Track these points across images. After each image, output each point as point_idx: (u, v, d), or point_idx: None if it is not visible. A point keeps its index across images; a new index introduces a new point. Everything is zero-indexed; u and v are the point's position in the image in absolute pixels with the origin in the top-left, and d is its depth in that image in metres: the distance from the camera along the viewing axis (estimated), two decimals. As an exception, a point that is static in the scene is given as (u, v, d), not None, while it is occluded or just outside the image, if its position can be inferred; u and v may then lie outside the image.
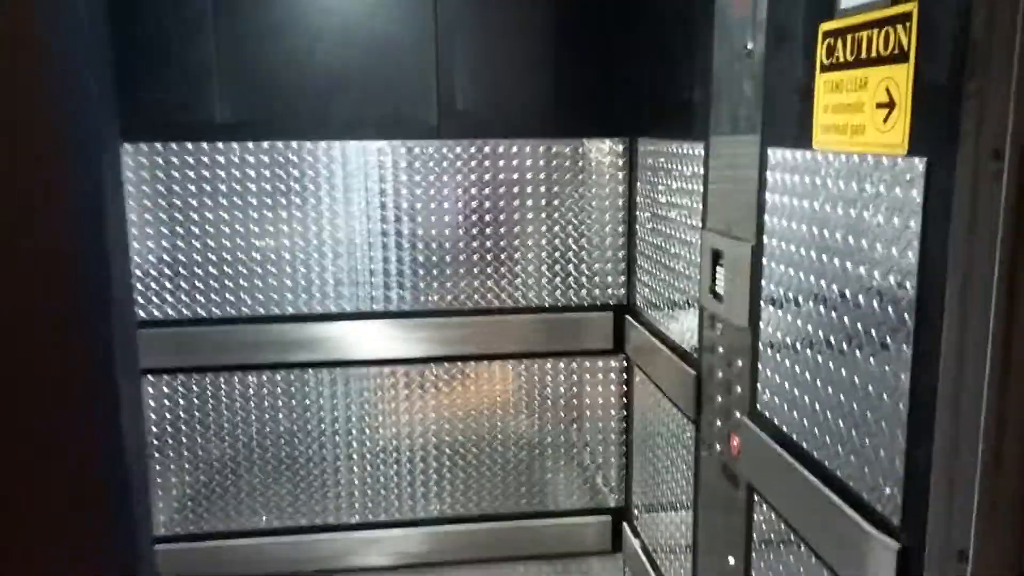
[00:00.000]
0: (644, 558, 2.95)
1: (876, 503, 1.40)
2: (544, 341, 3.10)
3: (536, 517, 3.21)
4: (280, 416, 3.03)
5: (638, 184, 2.92)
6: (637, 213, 2.94)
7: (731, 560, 2.09)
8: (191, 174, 2.86)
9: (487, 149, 2.95)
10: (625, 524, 3.19)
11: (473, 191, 2.98)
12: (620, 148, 2.99)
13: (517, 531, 3.20)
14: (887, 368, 1.34)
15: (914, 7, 1.25)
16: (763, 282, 1.83)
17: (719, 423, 2.16)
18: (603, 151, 3.00)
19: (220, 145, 2.85)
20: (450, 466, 3.15)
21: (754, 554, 1.94)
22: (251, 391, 2.99)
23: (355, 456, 3.09)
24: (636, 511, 3.09)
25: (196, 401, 2.98)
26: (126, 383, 0.91)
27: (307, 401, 3.04)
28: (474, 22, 2.92)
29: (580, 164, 3.00)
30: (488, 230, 3.01)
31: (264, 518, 3.07)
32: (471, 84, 2.95)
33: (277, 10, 2.84)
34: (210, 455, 3.02)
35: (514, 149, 2.96)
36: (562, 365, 3.12)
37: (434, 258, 3.01)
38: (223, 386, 2.98)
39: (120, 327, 0.92)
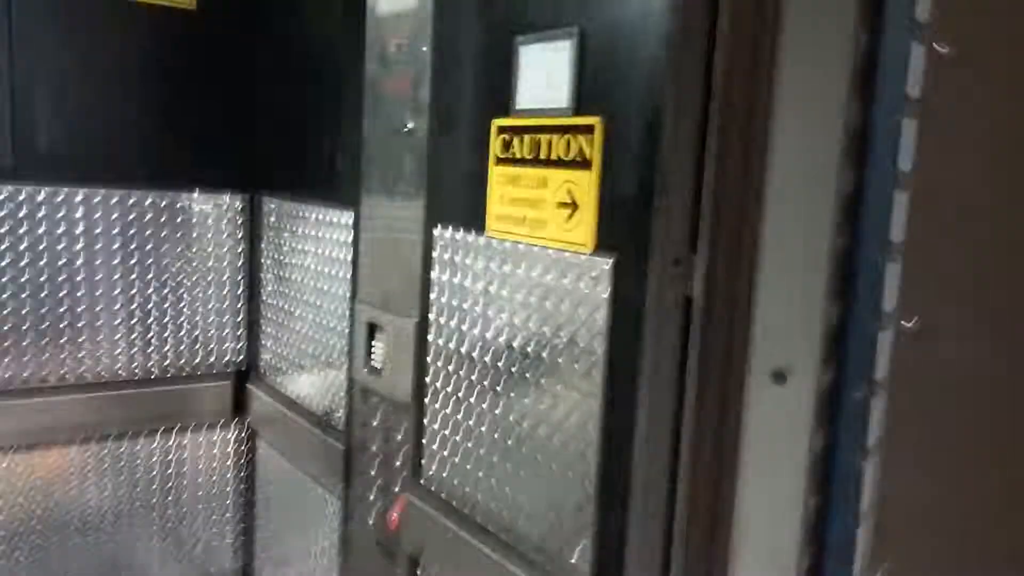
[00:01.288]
0: (269, 641, 2.77)
1: (561, 572, 1.50)
2: (141, 417, 2.75)
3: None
4: None
5: (261, 244, 2.77)
6: (261, 275, 2.79)
7: (388, 637, 2.06)
8: None
9: (77, 197, 2.55)
10: (243, 607, 2.96)
11: (54, 245, 2.53)
12: (238, 204, 2.81)
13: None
14: (572, 449, 1.46)
15: (597, 122, 1.40)
16: (428, 358, 1.87)
17: (371, 498, 2.13)
18: (218, 205, 2.78)
19: None
20: (41, 568, 2.61)
21: (417, 629, 1.94)
22: None
23: None
24: (258, 591, 2.89)
25: None
26: None
27: None
28: (62, 57, 2.51)
29: (188, 218, 2.73)
30: (75, 292, 2.58)
31: None
32: (55, 120, 2.53)
33: None
34: None
35: (112, 199, 2.59)
36: (169, 442, 2.80)
37: (4, 327, 2.49)
38: None
39: None
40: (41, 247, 2.51)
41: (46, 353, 2.56)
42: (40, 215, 2.49)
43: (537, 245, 1.54)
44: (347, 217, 2.22)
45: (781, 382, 1.09)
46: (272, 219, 2.70)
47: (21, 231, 2.47)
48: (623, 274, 1.37)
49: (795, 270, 1.09)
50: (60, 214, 2.52)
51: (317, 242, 2.40)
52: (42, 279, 2.52)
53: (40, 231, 2.50)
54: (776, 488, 1.10)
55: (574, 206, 1.45)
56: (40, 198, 2.49)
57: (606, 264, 1.38)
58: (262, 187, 2.76)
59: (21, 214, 2.47)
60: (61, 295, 2.55)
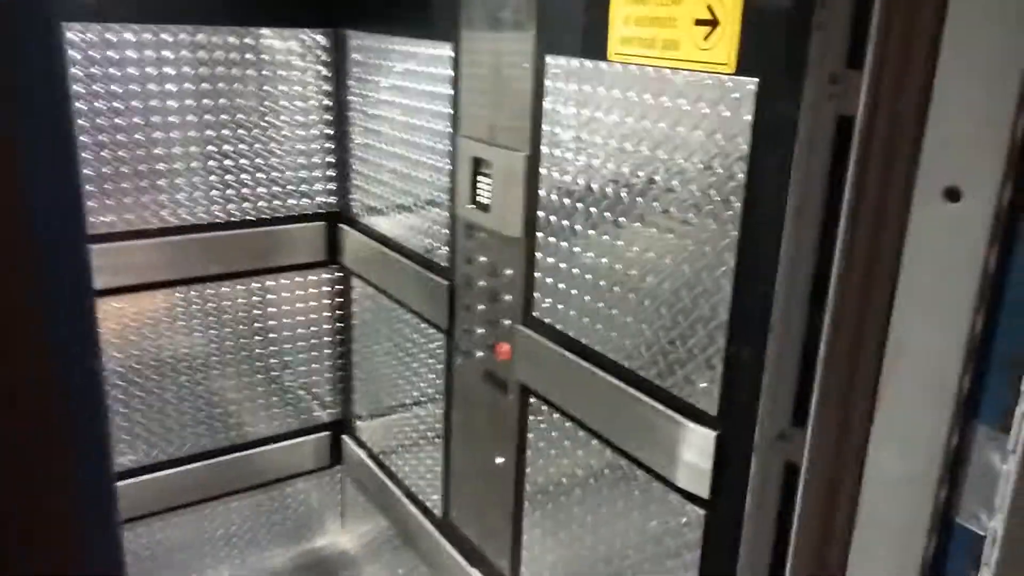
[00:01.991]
0: (372, 464, 2.94)
1: (688, 397, 1.53)
2: (241, 258, 2.81)
3: (245, 448, 3.00)
4: None
5: (349, 83, 2.72)
6: (349, 115, 2.75)
7: (499, 459, 2.17)
8: None
9: (164, 36, 2.50)
10: (345, 437, 3.13)
11: (141, 87, 2.51)
12: (322, 41, 2.74)
13: (227, 466, 2.96)
14: (705, 278, 1.45)
15: (745, -72, 1.30)
16: (540, 192, 1.85)
17: (479, 331, 2.18)
18: (301, 42, 2.71)
19: None
20: (143, 408, 2.78)
21: (529, 451, 2.03)
22: None
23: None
24: (359, 422, 3.04)
25: None
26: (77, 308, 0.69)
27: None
28: None
29: (270, 58, 2.67)
30: (164, 134, 2.57)
31: None
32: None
33: None
34: None
35: (193, 38, 2.54)
36: (269, 283, 2.88)
37: (105, 169, 2.53)
38: None
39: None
40: (129, 89, 2.49)
41: (142, 197, 2.59)
42: (126, 57, 2.46)
43: (669, 68, 1.47)
44: (446, 50, 2.15)
45: (954, 199, 1.06)
46: (359, 56, 2.63)
47: (112, 73, 2.45)
48: (769, 95, 1.31)
49: (979, 81, 1.02)
50: (147, 56, 2.49)
51: (412, 77, 2.34)
52: (131, 122, 2.52)
53: (127, 73, 2.47)
54: (941, 311, 1.08)
55: (714, 23, 1.37)
56: (127, 37, 2.45)
57: (751, 85, 1.32)
58: (347, 22, 2.68)
59: (110, 55, 2.44)
60: (151, 138, 2.55)
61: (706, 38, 1.39)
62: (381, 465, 2.91)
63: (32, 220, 0.65)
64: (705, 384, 1.49)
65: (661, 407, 1.58)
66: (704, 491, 1.51)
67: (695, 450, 1.52)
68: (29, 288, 0.66)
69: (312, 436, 3.11)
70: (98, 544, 0.77)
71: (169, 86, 2.54)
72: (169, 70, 2.52)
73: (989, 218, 1.04)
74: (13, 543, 0.71)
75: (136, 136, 2.53)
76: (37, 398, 0.69)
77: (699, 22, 1.40)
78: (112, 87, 2.46)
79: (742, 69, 1.34)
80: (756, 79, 1.31)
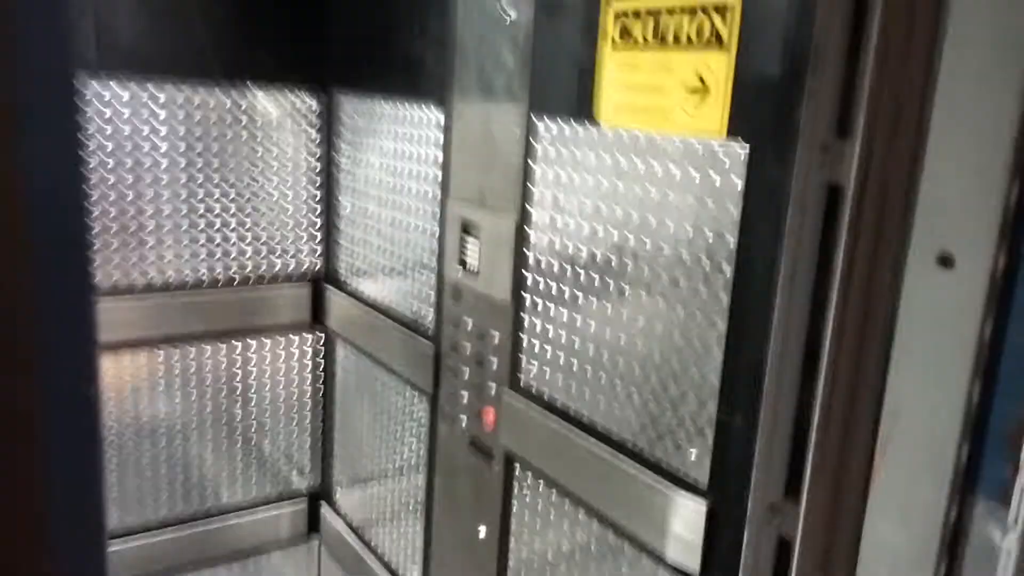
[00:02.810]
0: (350, 535, 2.85)
1: (680, 467, 1.49)
2: (224, 318, 2.77)
3: (221, 515, 2.90)
4: None
5: (338, 144, 2.73)
6: (338, 176, 2.76)
7: (482, 530, 2.10)
8: None
9: (161, 97, 2.51)
10: (323, 505, 3.04)
11: (133, 143, 2.51)
12: (314, 103, 2.76)
13: (201, 535, 2.86)
14: (699, 341, 1.43)
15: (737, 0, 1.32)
16: (529, 255, 1.84)
17: (464, 398, 2.14)
18: (293, 104, 2.74)
19: None
20: (116, 470, 2.70)
21: (513, 522, 1.97)
22: None
23: None
24: (338, 490, 2.96)
25: None
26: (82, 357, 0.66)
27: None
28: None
29: (256, 117, 2.68)
30: (152, 191, 2.56)
31: None
32: (138, 16, 2.48)
33: None
34: None
35: (187, 97, 2.55)
36: (251, 344, 2.83)
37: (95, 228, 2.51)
38: None
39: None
40: (119, 145, 2.49)
41: (127, 253, 2.57)
42: (118, 112, 2.47)
43: (659, 134, 1.48)
44: (436, 115, 2.16)
45: (947, 266, 1.05)
46: (350, 118, 2.65)
47: (102, 128, 2.45)
48: (759, 162, 1.31)
49: (970, 146, 1.03)
50: (140, 112, 2.50)
51: (402, 140, 2.35)
52: (121, 177, 2.51)
53: (118, 128, 2.47)
54: (937, 379, 1.07)
55: (704, 91, 1.38)
56: (120, 93, 2.46)
57: (741, 151, 1.33)
58: (339, 85, 2.70)
59: (102, 110, 2.44)
60: (138, 194, 2.54)
61: (697, 105, 1.40)
62: (359, 536, 2.82)
63: (33, 234, 0.62)
64: (696, 453, 1.46)
65: (650, 476, 1.54)
66: (695, 565, 1.46)
67: (685, 522, 1.47)
68: (27, 307, 0.63)
69: (290, 504, 3.03)
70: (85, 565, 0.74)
71: (159, 143, 2.54)
72: (160, 127, 2.53)
73: (984, 284, 1.03)
74: None
75: (123, 191, 2.52)
76: (26, 421, 0.66)
77: (690, 90, 1.41)
78: (102, 142, 2.46)
79: (733, 135, 1.34)
80: (747, 145, 1.32)
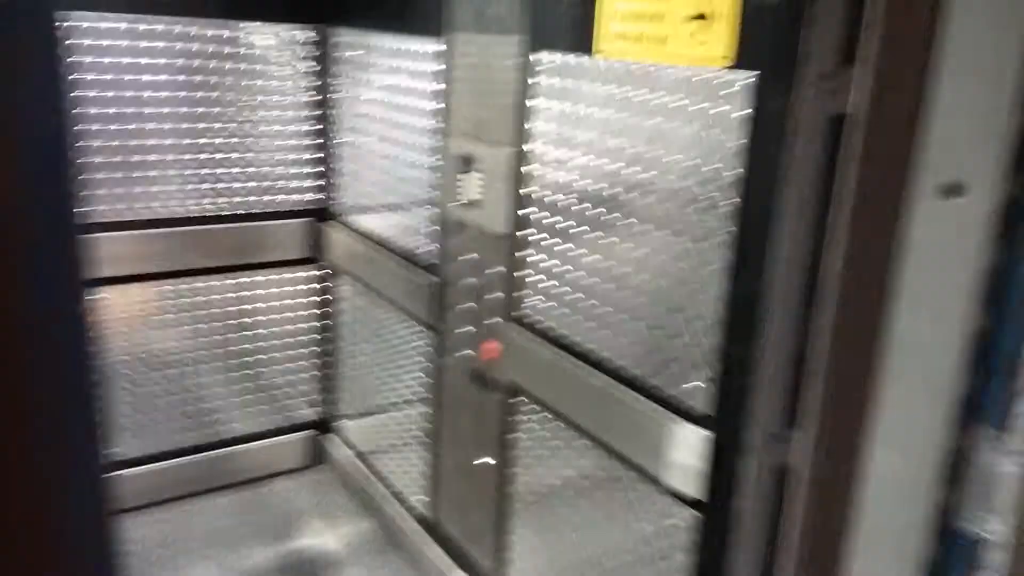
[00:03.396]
0: (357, 464, 2.89)
1: (681, 396, 1.50)
2: (225, 253, 2.75)
3: (229, 445, 2.94)
4: None
5: (335, 79, 2.67)
6: (334, 112, 2.70)
7: (485, 459, 2.13)
8: None
9: (152, 27, 2.44)
10: (330, 436, 3.08)
11: (124, 79, 2.45)
12: (307, 37, 2.68)
13: (209, 463, 2.91)
14: (701, 272, 1.42)
15: (740, -81, 1.26)
16: (528, 189, 1.81)
17: (465, 329, 2.14)
18: (286, 39, 2.66)
19: None
20: (126, 402, 2.72)
21: (516, 451, 1.99)
22: None
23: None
24: (344, 421, 2.99)
25: None
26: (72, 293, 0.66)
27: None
28: None
29: (254, 53, 2.61)
30: (145, 127, 2.51)
31: None
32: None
33: None
34: None
35: (180, 28, 2.48)
36: (252, 279, 2.82)
37: (91, 159, 2.46)
38: None
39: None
40: (116, 80, 2.44)
41: (129, 188, 2.54)
42: (114, 46, 2.40)
43: (660, 63, 1.43)
44: (433, 46, 2.10)
45: (955, 195, 1.02)
46: (345, 52, 2.58)
47: (98, 63, 2.39)
48: (763, 90, 1.28)
49: (979, 77, 0.99)
50: (135, 46, 2.43)
51: (399, 73, 2.29)
52: (117, 112, 2.46)
53: (115, 63, 2.42)
54: (941, 308, 1.05)
55: (707, 18, 1.34)
56: (116, 27, 2.39)
57: (744, 80, 1.29)
58: (333, 19, 2.63)
59: (98, 44, 2.38)
60: (136, 129, 2.50)
61: (698, 32, 1.35)
62: (366, 464, 2.87)
63: (26, 209, 0.61)
64: (697, 383, 1.46)
65: (652, 406, 1.55)
66: (696, 493, 1.48)
67: (687, 450, 1.48)
68: (21, 276, 0.62)
69: (296, 434, 3.06)
70: (90, 534, 0.74)
71: (155, 77, 2.48)
72: (155, 61, 2.47)
73: (991, 214, 1.01)
74: (4, 536, 0.67)
75: (122, 127, 2.48)
76: (29, 387, 0.65)
77: (691, 17, 1.36)
78: (100, 77, 2.41)
79: (738, 63, 1.30)
80: (753, 73, 1.28)
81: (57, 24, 0.60)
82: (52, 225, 0.65)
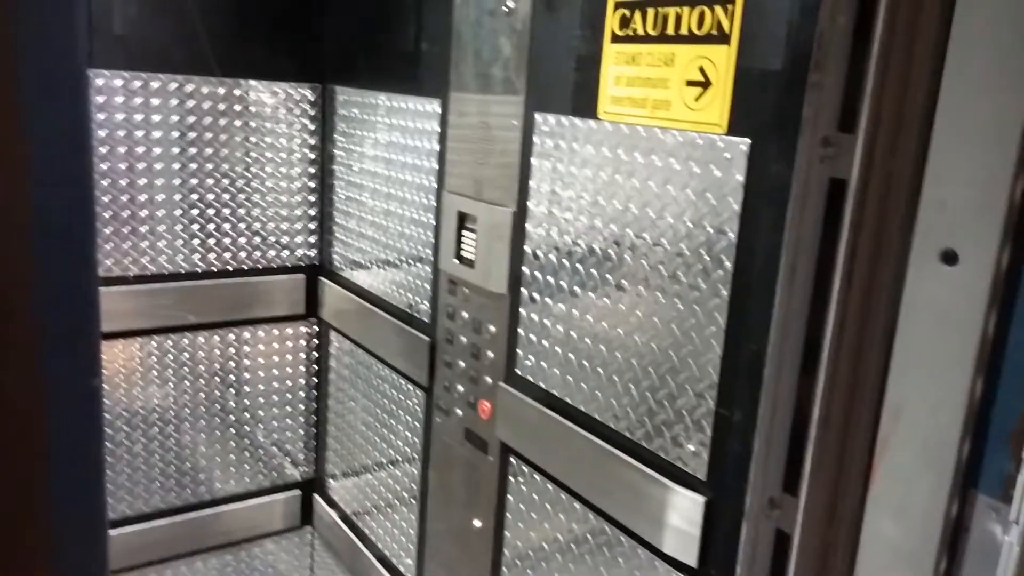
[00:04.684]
0: (344, 526, 2.84)
1: (677, 461, 1.48)
2: (218, 309, 2.75)
3: (213, 505, 2.88)
4: None
5: (334, 136, 2.71)
6: (333, 168, 2.73)
7: (477, 523, 2.09)
8: None
9: (154, 84, 2.47)
10: (316, 497, 3.02)
11: (126, 134, 2.48)
12: (309, 95, 2.73)
13: (194, 524, 2.84)
14: (697, 335, 1.42)
15: (738, -8, 1.30)
16: (526, 248, 1.82)
17: (461, 389, 2.13)
18: (289, 96, 2.71)
19: None
20: (110, 460, 2.67)
21: (509, 515, 1.96)
22: None
23: None
24: (331, 481, 2.95)
25: None
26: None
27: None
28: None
29: (256, 109, 2.65)
30: (146, 181, 2.53)
31: None
32: (130, 4, 2.44)
33: None
34: None
35: (182, 87, 2.52)
36: (243, 335, 2.81)
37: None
38: None
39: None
40: (114, 136, 2.46)
41: (122, 243, 2.54)
42: (113, 103, 2.44)
43: (660, 127, 1.46)
44: (433, 106, 2.14)
45: (953, 262, 1.04)
46: (345, 110, 2.62)
47: (97, 118, 2.42)
48: (761, 156, 1.30)
49: (976, 142, 1.02)
50: (132, 102, 2.47)
51: (397, 132, 2.33)
52: (115, 168, 2.48)
53: (113, 119, 2.45)
54: (939, 375, 1.06)
55: (706, 84, 1.37)
56: (115, 84, 2.43)
57: (743, 145, 1.31)
58: (335, 77, 2.68)
59: (97, 101, 2.41)
60: (133, 184, 2.52)
61: (697, 99, 1.39)
62: (353, 527, 2.81)
63: (37, 230, 0.61)
64: (694, 447, 1.45)
65: (648, 470, 1.53)
66: (692, 559, 1.45)
67: (683, 516, 1.46)
68: (29, 301, 0.62)
69: (282, 495, 3.01)
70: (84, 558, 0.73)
71: (154, 134, 2.51)
72: (155, 117, 2.50)
73: (987, 281, 1.02)
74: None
75: (119, 182, 2.49)
76: (29, 415, 0.64)
77: (691, 83, 1.39)
78: (97, 132, 2.43)
79: (734, 130, 1.33)
80: (748, 139, 1.30)
81: (86, 80, 0.61)
82: (70, 281, 0.65)
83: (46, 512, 0.68)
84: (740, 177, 1.32)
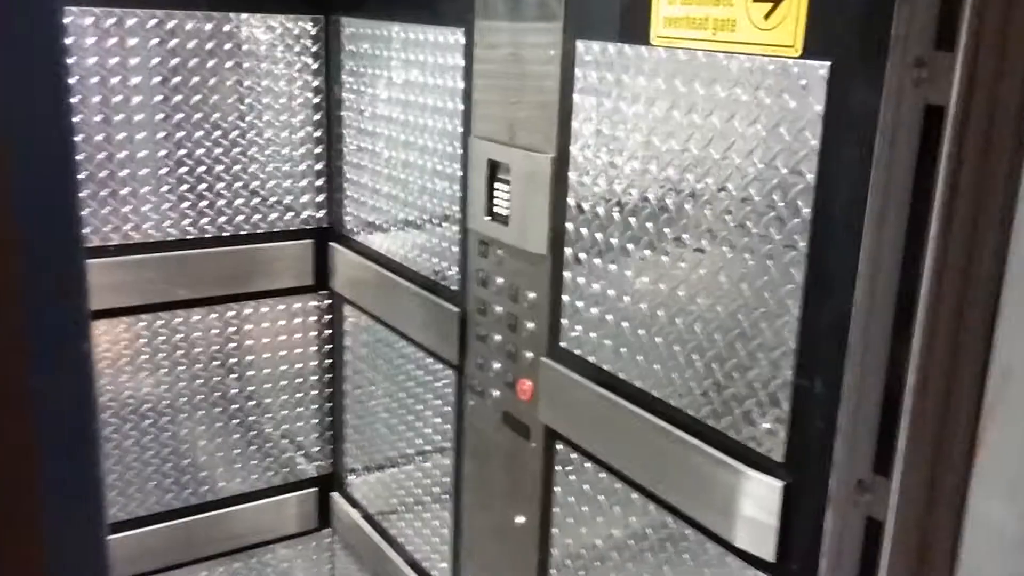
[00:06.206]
0: (366, 527, 2.92)
1: (750, 441, 1.52)
2: (214, 282, 2.81)
3: (218, 507, 2.98)
4: None
5: (342, 77, 2.75)
6: (341, 113, 2.78)
7: (519, 519, 2.15)
8: None
9: (129, 21, 2.52)
10: (335, 495, 3.11)
11: (106, 81, 2.52)
12: (310, 28, 2.77)
13: (197, 528, 2.95)
14: (772, 295, 1.45)
15: None
16: (569, 201, 1.86)
17: (497, 366, 2.18)
18: (284, 31, 2.74)
19: None
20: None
21: (556, 509, 2.02)
22: None
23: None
24: (351, 477, 3.03)
25: None
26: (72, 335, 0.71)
27: None
28: None
29: (246, 47, 2.68)
30: (128, 134, 2.58)
31: None
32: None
33: None
34: None
35: (163, 22, 2.56)
36: (245, 312, 2.88)
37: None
38: None
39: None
40: (87, 84, 2.50)
41: (100, 208, 2.59)
42: (84, 45, 2.47)
43: (722, 52, 1.48)
44: (456, 36, 2.17)
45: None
46: (353, 46, 2.66)
47: (75, 62, 2.48)
48: (843, 82, 1.31)
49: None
50: (105, 42, 2.51)
51: (415, 69, 2.36)
52: (88, 120, 2.52)
53: (85, 64, 2.48)
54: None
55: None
56: (85, 22, 2.47)
57: (822, 69, 1.33)
58: (340, 6, 2.71)
59: (75, 41, 2.46)
60: (111, 139, 2.56)
61: (767, 16, 1.40)
62: (377, 528, 2.90)
63: (23, 227, 0.65)
64: (769, 425, 1.48)
65: (716, 453, 1.57)
66: (769, 553, 1.49)
67: (758, 504, 1.50)
68: (17, 297, 0.66)
69: (296, 494, 3.10)
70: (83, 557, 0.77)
71: (132, 80, 2.55)
72: (133, 60, 2.54)
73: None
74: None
75: (94, 137, 2.54)
76: (20, 415, 0.69)
77: (758, -2, 1.41)
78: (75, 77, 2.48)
79: (811, 52, 1.34)
80: (827, 63, 1.32)
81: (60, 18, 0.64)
82: (53, 248, 0.69)
83: (35, 501, 0.72)
84: (819, 107, 1.33)
